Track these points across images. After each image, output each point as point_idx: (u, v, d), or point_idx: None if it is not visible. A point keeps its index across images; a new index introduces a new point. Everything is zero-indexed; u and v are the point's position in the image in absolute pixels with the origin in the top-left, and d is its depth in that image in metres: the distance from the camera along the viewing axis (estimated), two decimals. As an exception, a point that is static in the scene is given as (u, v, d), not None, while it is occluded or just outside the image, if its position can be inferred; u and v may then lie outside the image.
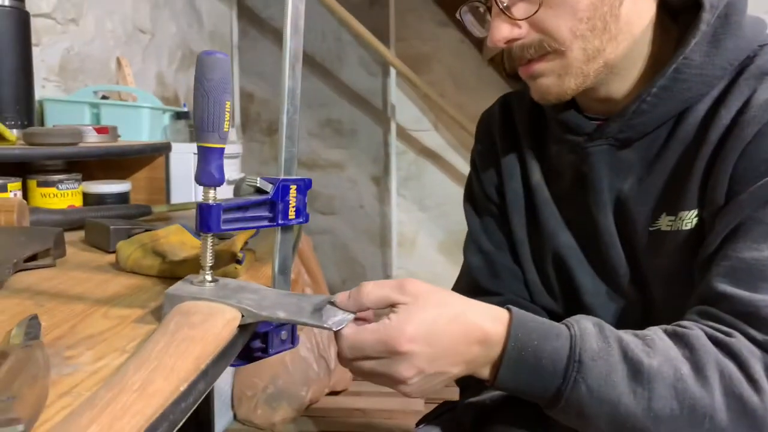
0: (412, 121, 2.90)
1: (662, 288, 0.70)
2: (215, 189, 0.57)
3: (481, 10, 0.72)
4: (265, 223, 0.62)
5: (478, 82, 2.81)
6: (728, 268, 0.59)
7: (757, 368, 0.54)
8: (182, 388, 0.39)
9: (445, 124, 2.87)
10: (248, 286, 0.59)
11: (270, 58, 2.85)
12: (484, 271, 0.82)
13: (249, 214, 0.61)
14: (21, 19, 1.12)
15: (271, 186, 0.62)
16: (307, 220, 0.67)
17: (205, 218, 0.56)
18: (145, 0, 2.14)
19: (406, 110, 2.89)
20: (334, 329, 0.54)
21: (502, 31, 0.66)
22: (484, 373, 0.59)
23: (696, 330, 0.57)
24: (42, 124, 1.42)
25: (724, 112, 0.63)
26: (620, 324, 0.73)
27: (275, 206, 0.62)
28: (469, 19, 0.75)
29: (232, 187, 1.43)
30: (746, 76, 0.64)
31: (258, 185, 0.62)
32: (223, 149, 0.57)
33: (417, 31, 2.83)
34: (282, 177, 0.63)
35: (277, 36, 2.85)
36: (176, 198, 1.27)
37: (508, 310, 0.58)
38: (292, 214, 0.64)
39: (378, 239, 2.98)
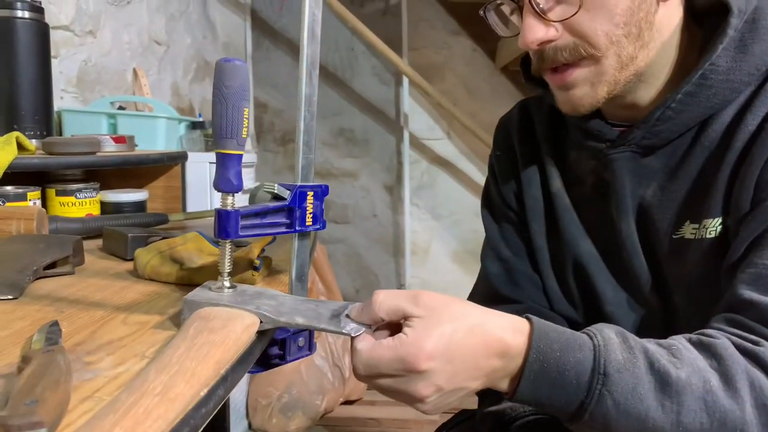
0: (425, 129, 2.90)
1: (685, 296, 0.69)
2: (233, 195, 0.57)
3: (507, 10, 0.70)
4: (283, 229, 0.62)
5: (490, 91, 2.81)
6: (754, 275, 0.58)
7: None
8: (203, 393, 0.39)
9: (457, 133, 2.86)
10: (266, 293, 0.59)
11: (283, 69, 2.87)
12: (503, 278, 0.81)
13: (267, 220, 0.61)
14: (41, 31, 1.14)
15: (288, 192, 0.62)
16: (324, 227, 0.67)
17: (224, 224, 0.56)
18: (161, 12, 2.17)
19: (418, 119, 2.89)
20: (353, 335, 0.53)
21: (536, 32, 0.64)
22: (503, 385, 0.55)
23: (722, 339, 0.55)
24: (60, 134, 1.44)
25: (750, 118, 0.62)
26: (641, 333, 0.72)
27: (293, 213, 0.63)
28: (493, 18, 0.73)
29: (247, 195, 1.44)
30: None
31: (276, 192, 0.62)
32: (241, 156, 0.57)
33: (430, 40, 2.83)
34: (299, 183, 0.63)
35: (290, 47, 2.87)
36: (192, 206, 1.27)
37: (528, 319, 0.56)
38: (309, 220, 0.64)
39: (391, 248, 2.98)
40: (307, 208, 0.64)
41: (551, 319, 0.79)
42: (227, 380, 0.44)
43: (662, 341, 0.56)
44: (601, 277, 0.75)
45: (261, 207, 0.60)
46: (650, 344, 0.55)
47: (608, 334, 0.55)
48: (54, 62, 1.49)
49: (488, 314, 0.55)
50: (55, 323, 0.51)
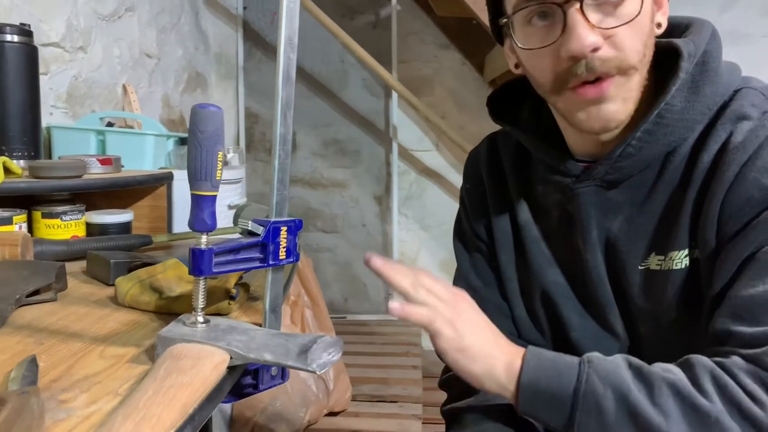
0: (414, 141, 2.93)
1: (650, 326, 0.72)
2: (207, 234, 0.60)
3: (533, 18, 0.67)
4: (257, 264, 0.65)
5: (478, 104, 2.84)
6: (730, 308, 0.62)
7: (747, 381, 0.57)
8: (169, 435, 0.42)
9: (446, 145, 2.90)
10: (238, 327, 0.61)
11: (274, 79, 2.89)
12: None
13: (240, 256, 0.63)
14: (29, 54, 1.16)
15: (262, 228, 0.65)
16: (297, 260, 0.69)
17: (198, 263, 0.59)
18: (152, 25, 2.19)
19: (407, 131, 2.92)
20: (318, 372, 0.56)
21: (588, 37, 0.62)
22: (501, 372, 0.66)
23: (695, 357, 0.61)
24: (49, 150, 1.46)
25: (704, 156, 0.66)
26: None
27: (266, 248, 0.65)
28: (519, 23, 0.69)
29: (233, 211, 1.46)
30: (723, 120, 0.66)
31: (250, 228, 0.65)
32: (215, 197, 0.60)
33: (419, 53, 2.87)
34: (273, 219, 0.66)
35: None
36: (179, 223, 1.29)
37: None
38: (282, 254, 0.67)
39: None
40: (281, 243, 0.66)
41: (519, 346, 0.82)
42: (194, 419, 0.46)
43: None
44: (568, 305, 0.78)
45: (235, 244, 0.62)
46: (620, 361, 0.64)
47: (592, 353, 0.65)
48: (44, 79, 1.51)
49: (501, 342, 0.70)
50: (34, 359, 0.54)
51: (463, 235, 0.89)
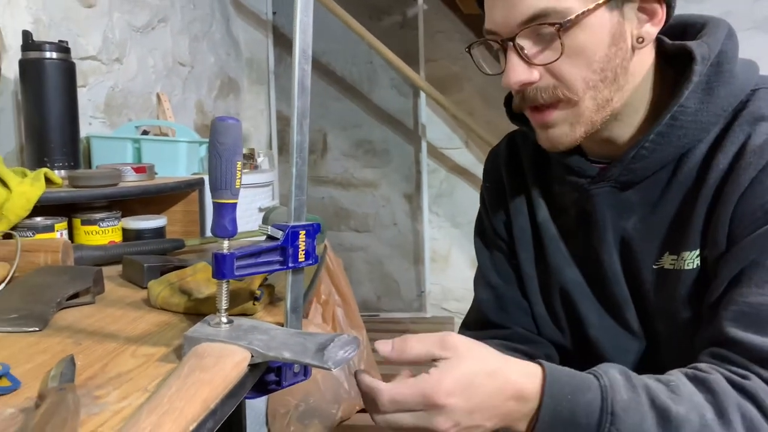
0: (443, 139, 2.95)
1: (666, 323, 0.72)
2: (228, 239, 0.63)
3: (494, 47, 0.73)
4: (277, 266, 0.68)
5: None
6: (737, 313, 0.62)
7: None
8: (191, 428, 0.45)
9: (475, 142, 2.90)
10: (260, 327, 0.65)
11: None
12: (493, 305, 0.86)
13: (261, 259, 0.67)
14: (67, 69, 1.22)
15: (281, 233, 0.68)
16: (316, 262, 0.72)
17: (220, 266, 0.62)
18: (185, 34, 2.26)
19: (436, 129, 2.94)
20: (333, 369, 0.59)
21: (519, 74, 0.66)
22: (521, 427, 0.61)
23: (715, 374, 0.59)
24: (89, 159, 1.53)
25: (721, 157, 0.66)
26: (625, 357, 0.76)
27: (285, 251, 0.68)
28: (477, 57, 0.77)
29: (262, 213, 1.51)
30: (740, 121, 0.66)
31: (270, 233, 0.68)
32: (235, 204, 0.63)
33: (446, 51, 2.88)
34: (292, 223, 0.69)
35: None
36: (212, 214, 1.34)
37: (541, 365, 0.61)
38: (302, 257, 0.70)
39: (411, 256, 3.03)
40: (300, 246, 0.69)
41: (539, 343, 0.83)
42: (216, 413, 0.50)
43: (661, 377, 0.61)
44: (586, 303, 0.79)
45: (255, 248, 0.66)
46: (651, 381, 0.60)
47: (613, 374, 0.60)
48: (83, 91, 1.59)
49: (507, 360, 0.61)
50: (71, 359, 0.58)
51: (484, 233, 0.90)
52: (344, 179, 3.06)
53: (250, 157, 1.78)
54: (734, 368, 0.60)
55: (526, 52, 0.66)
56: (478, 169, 2.96)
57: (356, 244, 3.08)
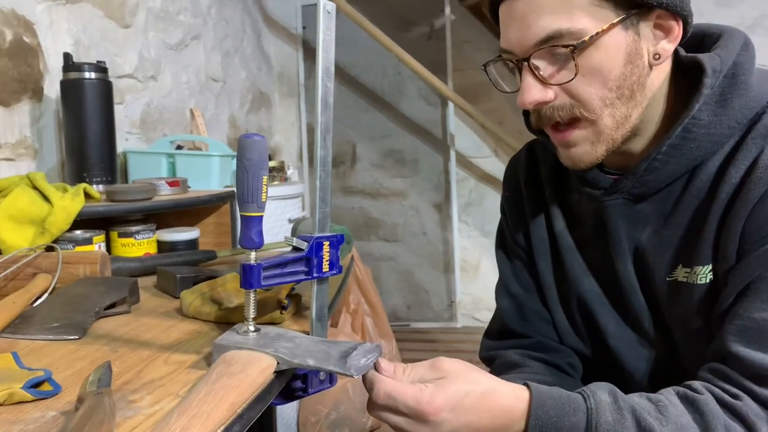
0: (472, 148, 2.95)
1: (682, 333, 0.72)
2: (255, 251, 0.66)
3: (509, 67, 0.73)
4: (302, 276, 0.70)
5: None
6: (740, 327, 0.62)
7: (763, 431, 0.56)
8: (219, 431, 0.47)
9: (504, 150, 2.90)
10: (286, 335, 0.67)
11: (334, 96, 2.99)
12: (514, 315, 0.86)
13: (287, 269, 0.69)
14: (105, 89, 1.28)
15: (306, 244, 0.70)
16: (340, 272, 0.74)
17: (248, 276, 0.65)
18: (217, 50, 2.33)
19: (465, 138, 2.95)
20: (356, 376, 0.61)
21: (534, 94, 0.66)
22: None
23: (706, 395, 0.60)
24: (125, 173, 1.59)
25: (733, 171, 0.65)
26: (645, 366, 0.76)
27: (310, 261, 0.70)
28: (493, 74, 0.78)
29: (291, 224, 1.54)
30: (754, 135, 0.65)
31: (294, 244, 0.70)
32: (261, 217, 0.66)
33: (474, 60, 2.89)
34: (316, 235, 0.71)
35: (340, 74, 2.99)
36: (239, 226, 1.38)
37: (528, 387, 0.63)
38: (326, 267, 0.72)
39: (441, 265, 3.03)
40: (324, 257, 0.72)
41: (560, 351, 0.84)
42: (243, 418, 0.52)
43: (652, 395, 0.62)
44: (604, 313, 0.79)
45: (281, 258, 0.68)
46: (640, 400, 0.61)
47: (600, 396, 0.61)
48: (120, 108, 1.65)
49: (497, 382, 0.63)
50: (108, 365, 0.61)
51: (504, 242, 0.91)
52: (374, 189, 3.08)
53: (280, 169, 1.82)
54: (728, 386, 0.60)
55: (541, 72, 0.66)
56: (508, 178, 2.96)
57: (386, 253, 3.10)
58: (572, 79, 0.65)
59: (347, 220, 3.11)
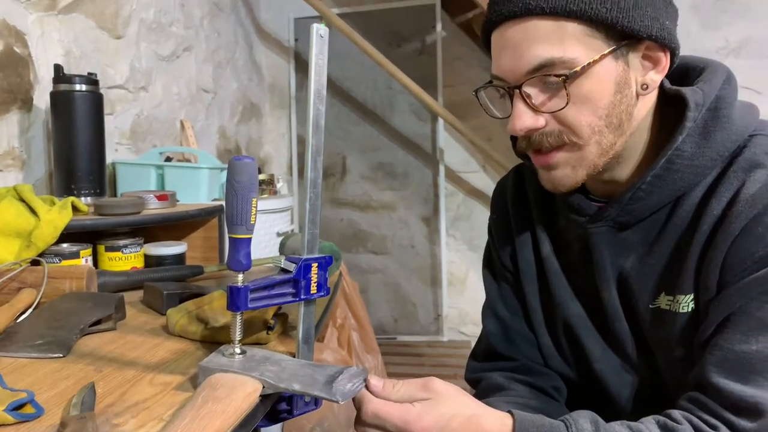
0: (461, 163, 2.97)
1: (666, 360, 0.73)
2: (243, 273, 0.66)
3: (499, 92, 0.74)
4: (289, 298, 0.70)
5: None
6: (720, 358, 0.63)
7: None
8: (203, 458, 0.47)
9: (492, 166, 2.92)
10: (272, 357, 0.67)
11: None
12: (500, 337, 0.87)
13: (274, 291, 0.69)
14: (95, 100, 1.28)
15: (294, 266, 0.70)
16: (328, 294, 0.74)
17: (235, 299, 0.65)
18: (209, 62, 2.33)
19: (454, 153, 2.96)
20: (341, 401, 0.61)
21: (524, 121, 0.67)
22: None
23: (685, 425, 0.61)
24: (114, 184, 1.58)
25: (715, 203, 0.66)
26: (630, 391, 0.77)
27: (298, 283, 0.70)
28: (484, 99, 0.78)
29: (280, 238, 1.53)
30: (735, 168, 0.67)
31: (283, 266, 0.70)
32: (250, 239, 0.66)
33: (465, 77, 2.91)
34: (305, 256, 0.71)
35: (332, 87, 3.00)
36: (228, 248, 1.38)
37: (511, 414, 0.64)
38: (314, 289, 0.72)
39: (429, 278, 3.04)
40: (312, 278, 0.72)
41: (545, 375, 0.84)
42: (227, 443, 0.52)
43: (633, 425, 0.63)
44: (589, 338, 0.79)
45: (269, 281, 0.68)
46: (621, 428, 0.62)
47: (582, 424, 0.63)
48: (109, 118, 1.64)
49: (484, 409, 0.65)
50: (92, 386, 0.61)
51: (491, 264, 0.92)
52: (363, 201, 3.09)
53: (269, 182, 1.82)
54: (706, 417, 0.61)
55: (532, 99, 0.67)
56: (496, 193, 2.98)
57: (374, 266, 3.10)
58: (563, 108, 0.66)
59: (336, 232, 3.11)
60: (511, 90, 0.68)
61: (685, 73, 0.74)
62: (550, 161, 0.71)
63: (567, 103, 0.66)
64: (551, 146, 0.69)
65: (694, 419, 0.61)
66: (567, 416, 0.63)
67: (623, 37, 0.65)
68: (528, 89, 0.67)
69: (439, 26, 2.89)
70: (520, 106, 0.68)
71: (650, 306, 0.72)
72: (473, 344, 0.94)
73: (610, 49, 0.65)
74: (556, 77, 0.65)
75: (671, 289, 0.70)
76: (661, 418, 0.62)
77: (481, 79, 2.90)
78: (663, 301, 0.71)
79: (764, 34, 2.54)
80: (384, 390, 0.65)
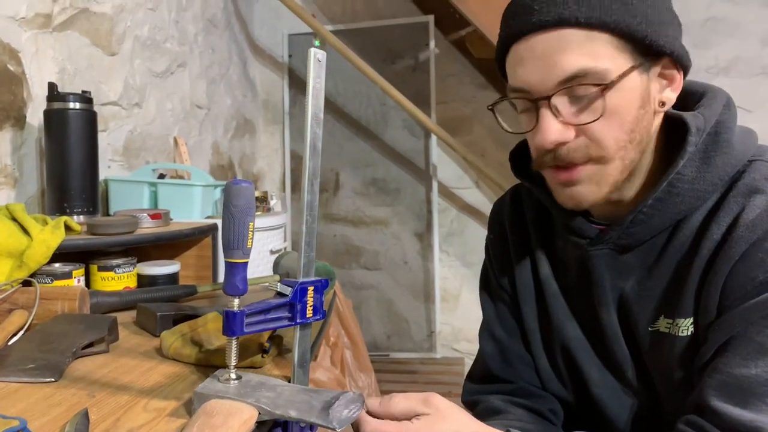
0: (454, 179, 2.98)
1: (663, 383, 0.73)
2: (239, 298, 0.65)
3: (520, 106, 0.72)
4: (285, 322, 0.70)
5: (518, 141, 2.86)
6: (719, 382, 0.63)
7: None
8: (198, 490, 0.46)
9: (485, 182, 2.93)
10: (267, 383, 0.66)
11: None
12: (497, 359, 0.87)
13: (270, 315, 0.69)
14: (89, 119, 1.27)
15: (290, 289, 0.70)
16: (323, 317, 0.74)
17: (230, 324, 0.64)
18: (202, 78, 2.33)
19: (447, 169, 2.98)
20: (338, 429, 0.60)
21: (554, 134, 0.66)
22: None
23: None
24: (107, 201, 1.57)
25: (715, 228, 0.67)
26: (628, 415, 0.77)
27: (294, 307, 0.70)
28: (498, 114, 0.76)
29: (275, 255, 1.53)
30: (735, 193, 0.67)
31: (279, 290, 0.70)
32: (246, 263, 0.65)
33: (458, 94, 2.93)
34: (301, 280, 0.71)
35: (325, 103, 3.00)
36: (224, 271, 1.37)
37: None
38: (309, 312, 0.72)
39: (422, 294, 3.03)
40: (308, 302, 0.71)
41: (543, 398, 0.84)
42: (223, 473, 0.51)
43: None
44: (587, 360, 0.79)
45: (265, 305, 0.68)
46: None
47: None
48: (103, 135, 1.64)
49: (485, 429, 0.64)
50: (85, 413, 0.60)
51: (489, 285, 0.91)
52: (356, 217, 3.09)
53: (263, 200, 1.81)
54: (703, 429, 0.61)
55: (561, 112, 0.66)
56: (489, 208, 2.98)
57: (367, 281, 3.09)
58: (595, 120, 0.65)
59: (329, 248, 3.11)
60: (537, 102, 0.67)
61: (684, 98, 0.74)
62: (573, 177, 0.69)
63: (600, 116, 0.65)
64: (576, 161, 0.68)
65: None
66: None
67: (647, 52, 0.66)
68: (557, 100, 0.66)
69: (432, 43, 2.91)
70: (549, 119, 0.66)
71: (649, 329, 0.72)
72: (467, 361, 0.94)
73: (637, 63, 0.65)
74: (594, 86, 0.64)
75: (671, 313, 0.70)
76: None
77: (474, 96, 2.92)
78: (662, 324, 0.71)
79: (753, 53, 2.58)
80: (382, 405, 0.64)
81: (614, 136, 0.66)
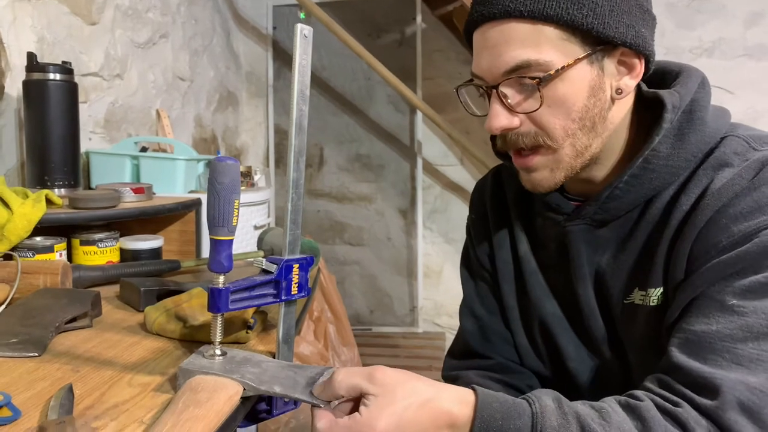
0: (439, 156, 2.98)
1: (637, 355, 0.75)
2: (224, 275, 0.66)
3: (479, 91, 0.76)
4: (270, 299, 0.70)
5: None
6: (682, 340, 0.65)
7: None
8: (184, 464, 0.47)
9: (470, 159, 2.93)
10: (252, 359, 0.67)
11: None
12: (477, 336, 0.88)
13: (255, 292, 0.69)
14: (70, 90, 1.25)
15: (275, 267, 0.70)
16: (308, 294, 0.75)
17: (216, 301, 0.65)
18: (185, 49, 2.29)
19: (432, 146, 2.97)
20: (322, 405, 0.61)
21: (500, 121, 0.70)
22: None
23: (647, 401, 0.61)
24: (88, 174, 1.55)
25: (684, 199, 0.69)
26: (600, 387, 0.79)
27: (279, 284, 0.71)
28: (464, 96, 0.80)
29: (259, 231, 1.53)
30: (705, 167, 0.69)
31: (264, 267, 0.70)
32: (231, 240, 0.66)
33: (444, 70, 2.91)
34: (286, 257, 0.71)
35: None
36: (207, 247, 1.37)
37: (474, 390, 0.62)
38: (294, 289, 0.72)
39: (405, 270, 3.05)
40: (293, 279, 0.72)
41: (521, 373, 0.86)
42: (209, 448, 0.52)
43: (594, 403, 0.63)
44: (564, 336, 0.81)
45: (250, 282, 0.68)
46: (583, 407, 0.62)
47: (545, 401, 0.61)
48: (83, 107, 1.61)
49: (439, 389, 0.61)
50: (70, 388, 0.60)
51: (469, 263, 0.93)
52: (340, 193, 3.08)
53: (247, 174, 1.80)
54: (668, 394, 0.62)
55: (509, 100, 0.69)
56: (473, 186, 2.99)
57: (350, 257, 3.10)
58: (537, 109, 0.68)
59: (313, 223, 3.11)
60: (489, 89, 0.71)
61: (661, 77, 0.76)
62: (529, 164, 0.73)
63: (540, 105, 0.68)
64: (526, 146, 0.72)
65: (656, 397, 0.62)
66: (529, 394, 0.63)
67: (599, 42, 0.67)
68: (505, 89, 0.69)
69: (419, 18, 2.88)
70: (496, 106, 0.70)
71: (624, 302, 0.75)
72: (448, 335, 0.95)
73: (585, 54, 0.67)
74: (531, 79, 0.67)
75: (643, 284, 0.73)
76: (623, 398, 0.63)
77: (460, 72, 2.91)
78: (636, 296, 0.73)
79: (737, 34, 2.60)
80: (326, 389, 0.61)
81: (561, 124, 0.69)
